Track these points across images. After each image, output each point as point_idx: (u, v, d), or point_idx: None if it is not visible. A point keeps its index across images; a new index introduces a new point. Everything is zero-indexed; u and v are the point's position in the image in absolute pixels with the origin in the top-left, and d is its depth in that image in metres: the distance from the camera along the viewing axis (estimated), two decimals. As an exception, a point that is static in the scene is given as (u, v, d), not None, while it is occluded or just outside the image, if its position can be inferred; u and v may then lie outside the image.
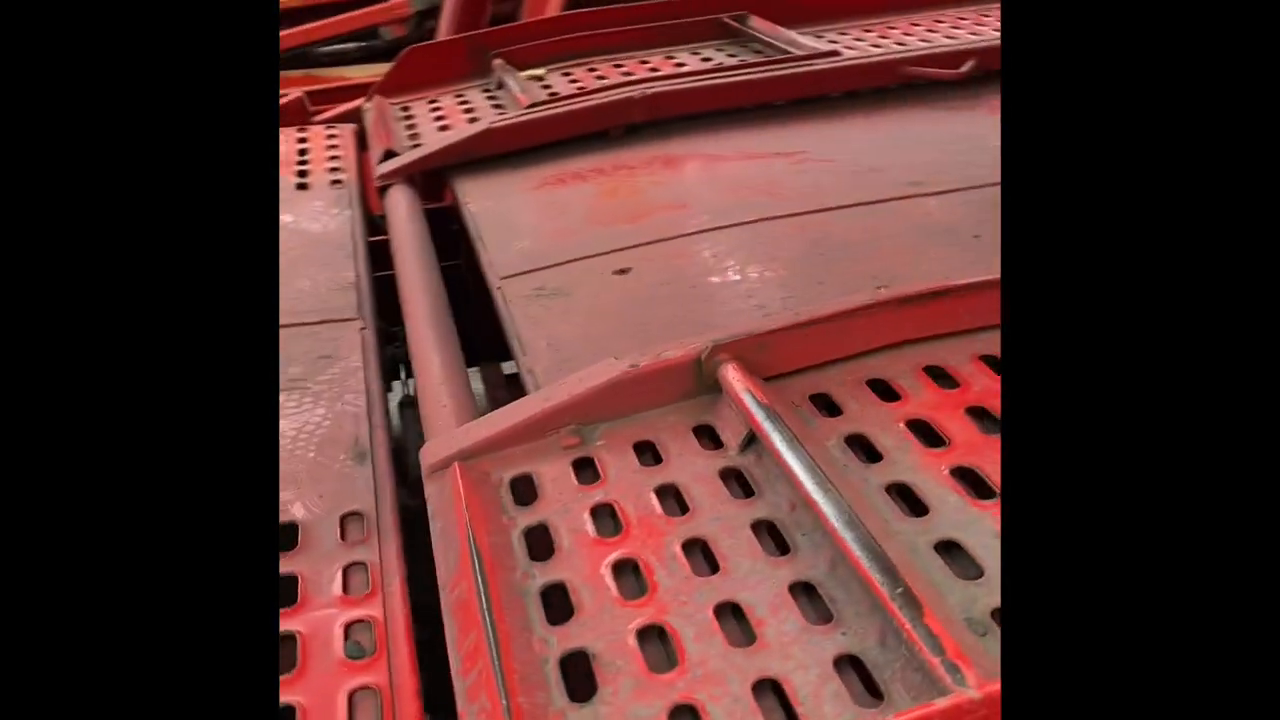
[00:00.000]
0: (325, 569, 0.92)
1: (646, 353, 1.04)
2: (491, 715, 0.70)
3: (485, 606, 0.79)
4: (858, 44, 2.26)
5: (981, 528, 0.82)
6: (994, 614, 0.73)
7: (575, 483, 0.95)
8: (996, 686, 0.63)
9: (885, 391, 1.01)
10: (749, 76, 1.99)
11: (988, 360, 1.04)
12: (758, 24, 2.37)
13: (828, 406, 1.01)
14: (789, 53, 2.13)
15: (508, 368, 1.68)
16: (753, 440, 0.95)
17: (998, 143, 1.88)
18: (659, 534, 0.87)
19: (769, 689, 0.72)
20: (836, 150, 1.81)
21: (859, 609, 0.76)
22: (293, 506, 1.00)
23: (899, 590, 0.72)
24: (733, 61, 2.20)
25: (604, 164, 1.80)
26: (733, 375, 1.00)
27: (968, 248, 1.39)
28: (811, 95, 2.02)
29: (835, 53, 2.10)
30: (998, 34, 2.19)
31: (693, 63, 2.24)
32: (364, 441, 1.10)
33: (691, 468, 0.95)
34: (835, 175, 1.69)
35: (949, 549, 0.81)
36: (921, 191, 1.58)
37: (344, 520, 0.99)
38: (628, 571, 0.84)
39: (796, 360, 1.05)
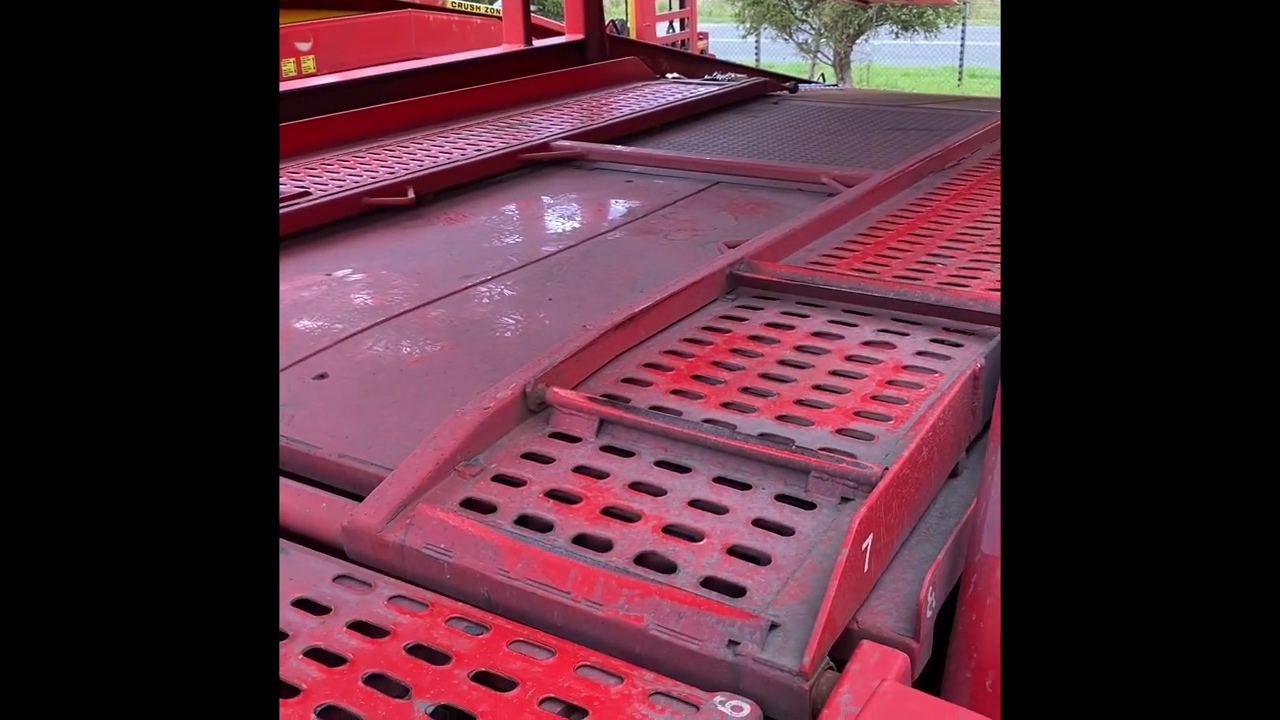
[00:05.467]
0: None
1: (463, 403, 1.36)
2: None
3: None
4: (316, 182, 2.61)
5: (763, 420, 1.37)
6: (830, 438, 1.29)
7: (511, 489, 1.25)
8: (884, 466, 1.19)
9: (637, 381, 1.50)
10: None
11: (669, 353, 1.59)
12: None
13: (613, 399, 1.45)
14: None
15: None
16: (603, 425, 1.35)
17: (471, 245, 2.59)
18: (606, 490, 1.24)
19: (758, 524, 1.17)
20: (374, 264, 2.17)
21: (758, 474, 1.25)
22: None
23: (791, 447, 1.24)
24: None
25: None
26: (561, 395, 1.39)
27: (554, 307, 1.92)
28: (301, 229, 2.32)
29: (307, 192, 2.42)
30: (427, 164, 2.75)
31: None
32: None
33: (575, 457, 1.32)
34: (404, 280, 2.06)
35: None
36: (475, 282, 2.05)
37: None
38: (614, 515, 1.20)
39: (574, 379, 1.47)
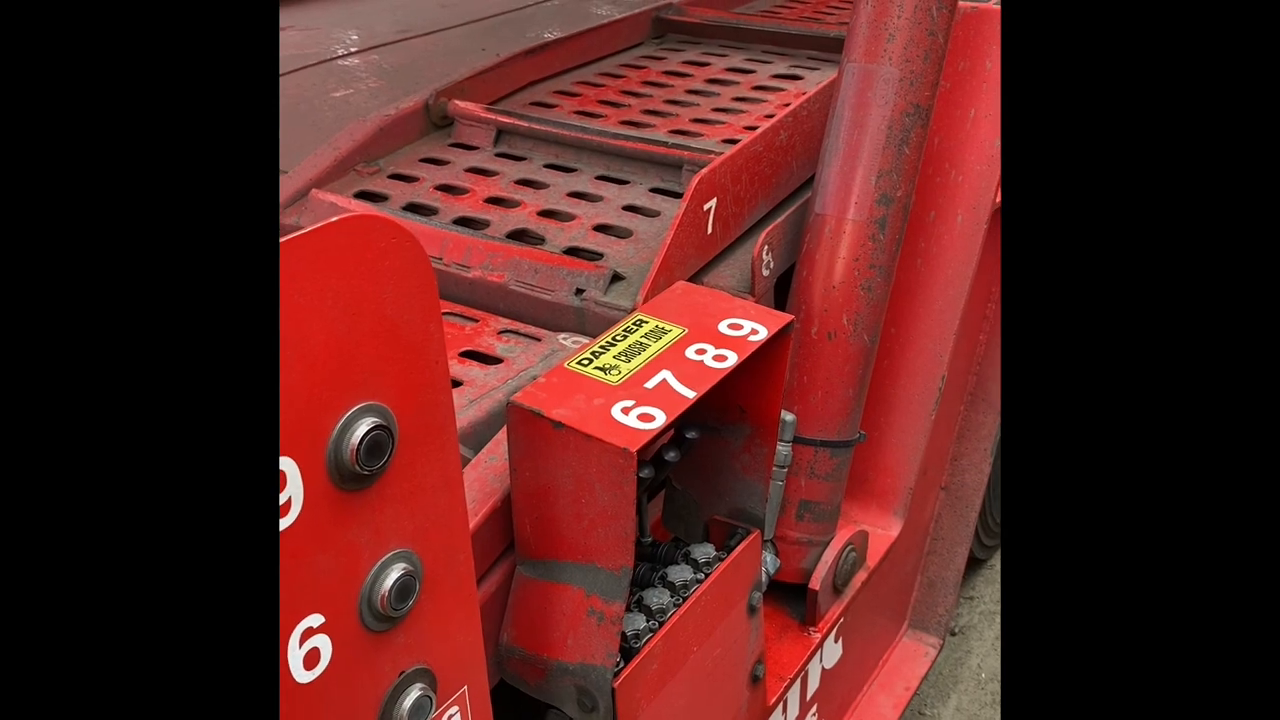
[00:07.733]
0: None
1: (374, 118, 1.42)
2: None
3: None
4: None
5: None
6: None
7: (405, 184, 1.32)
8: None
9: (544, 105, 1.55)
10: None
11: (582, 83, 1.64)
12: None
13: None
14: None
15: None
16: (500, 135, 1.42)
17: (415, 8, 2.47)
18: (494, 185, 1.31)
19: (630, 210, 1.25)
20: (313, 20, 2.19)
21: (639, 173, 1.32)
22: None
23: (666, 144, 1.31)
24: None
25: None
26: (461, 105, 1.44)
27: (486, 56, 1.95)
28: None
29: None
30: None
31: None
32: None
33: (469, 161, 1.39)
34: (341, 32, 2.09)
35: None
36: (411, 35, 2.08)
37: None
38: (497, 202, 1.28)
39: (486, 98, 1.52)
